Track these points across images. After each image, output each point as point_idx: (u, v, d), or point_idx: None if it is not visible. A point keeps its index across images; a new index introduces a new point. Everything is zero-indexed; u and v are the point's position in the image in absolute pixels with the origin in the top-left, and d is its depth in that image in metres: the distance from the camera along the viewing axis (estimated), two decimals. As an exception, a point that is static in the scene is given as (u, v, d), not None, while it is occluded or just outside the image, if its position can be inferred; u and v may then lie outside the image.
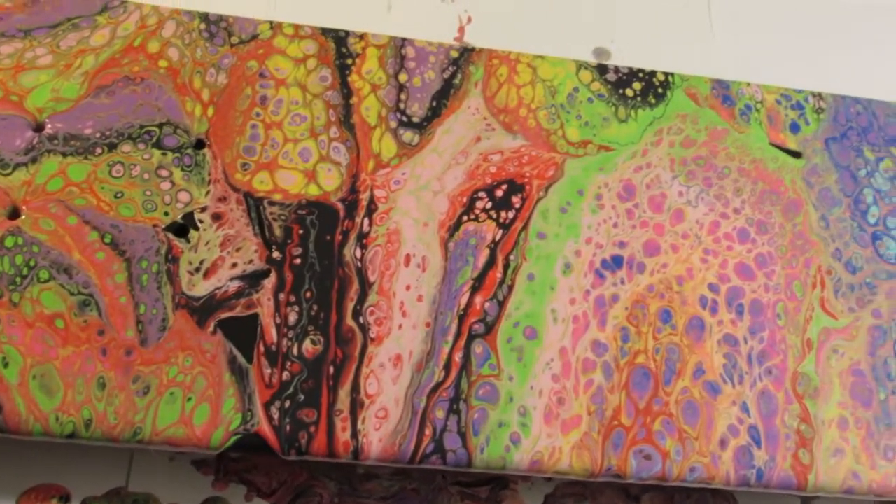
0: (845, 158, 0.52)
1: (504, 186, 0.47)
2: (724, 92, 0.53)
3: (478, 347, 0.43)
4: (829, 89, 0.61)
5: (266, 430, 0.40)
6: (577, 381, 0.43)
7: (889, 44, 0.73)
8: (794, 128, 0.53)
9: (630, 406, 0.43)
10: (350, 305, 0.43)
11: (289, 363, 0.42)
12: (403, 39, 0.52)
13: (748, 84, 0.54)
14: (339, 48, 0.50)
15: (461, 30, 0.67)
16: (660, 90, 0.53)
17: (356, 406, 0.41)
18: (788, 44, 0.71)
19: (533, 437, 0.42)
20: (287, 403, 0.41)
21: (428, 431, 0.41)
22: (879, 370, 0.46)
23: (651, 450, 0.43)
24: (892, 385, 0.46)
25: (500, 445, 0.42)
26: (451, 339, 0.43)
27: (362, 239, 0.45)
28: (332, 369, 0.42)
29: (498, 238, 0.46)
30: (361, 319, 0.43)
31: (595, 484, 0.53)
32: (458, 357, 0.43)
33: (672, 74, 0.54)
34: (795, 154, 0.52)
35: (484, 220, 0.46)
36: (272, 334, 0.42)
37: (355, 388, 0.42)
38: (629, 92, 0.52)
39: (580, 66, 0.53)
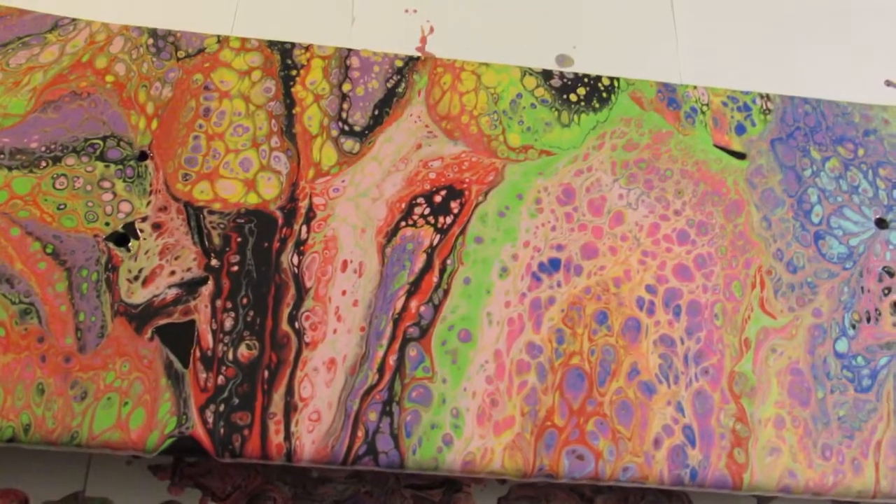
0: (791, 159, 0.52)
1: (443, 192, 0.48)
2: (669, 95, 0.54)
3: (412, 350, 0.44)
4: (796, 92, 0.61)
5: (200, 433, 0.41)
6: (510, 382, 0.44)
7: (857, 45, 0.73)
8: (740, 129, 0.53)
9: (564, 407, 0.44)
10: (286, 311, 0.44)
11: (224, 368, 0.42)
12: (349, 50, 0.52)
13: (695, 87, 0.55)
14: (285, 60, 0.51)
15: (423, 40, 0.68)
16: (604, 95, 0.53)
17: (290, 409, 0.42)
18: (754, 48, 0.71)
19: (465, 438, 0.43)
20: (221, 407, 0.42)
21: (360, 433, 0.42)
22: (818, 369, 0.46)
23: (584, 450, 0.43)
24: (830, 384, 0.46)
25: (432, 447, 0.42)
26: (385, 342, 0.44)
27: (300, 246, 0.46)
28: (266, 373, 0.43)
29: (435, 243, 0.47)
30: (297, 324, 0.44)
31: (549, 487, 0.53)
32: (392, 360, 0.44)
33: (618, 79, 0.54)
34: (740, 155, 0.52)
35: (422, 226, 0.47)
36: (208, 340, 0.43)
37: (289, 392, 0.42)
38: (573, 97, 0.53)
39: (525, 72, 0.53)
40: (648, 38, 0.71)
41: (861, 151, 0.53)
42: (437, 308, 0.45)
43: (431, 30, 0.69)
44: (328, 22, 0.66)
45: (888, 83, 0.70)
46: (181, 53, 0.51)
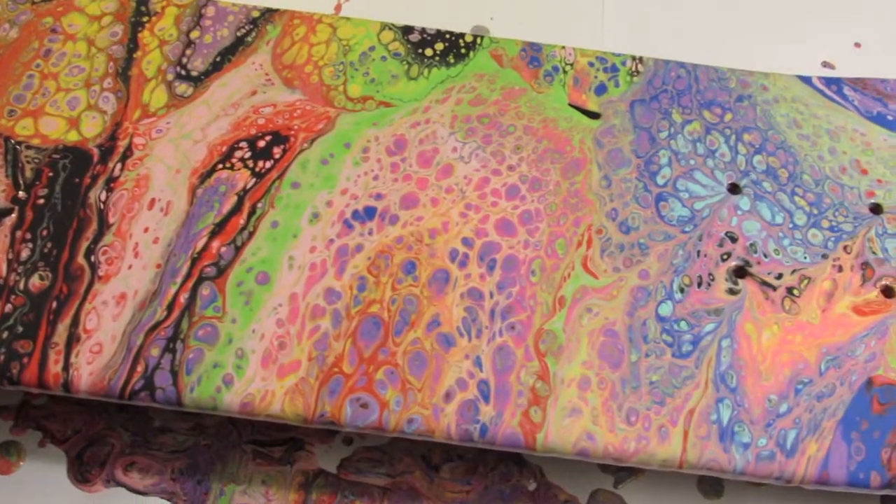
0: (648, 120, 0.50)
1: (268, 138, 0.48)
2: (533, 54, 0.52)
3: (205, 290, 0.43)
4: (724, 64, 0.59)
5: (-20, 358, 0.41)
6: (302, 326, 0.43)
7: (796, 24, 0.70)
8: (601, 90, 0.51)
9: (354, 354, 0.43)
10: (84, 245, 0.44)
11: (13, 297, 0.43)
12: (208, 0, 0.52)
13: (563, 47, 0.53)
14: (139, 7, 0.52)
15: (338, 7, 0.67)
16: (463, 51, 0.52)
17: (72, 340, 0.42)
18: (687, 22, 0.69)
19: (246, 379, 0.42)
20: (5, 334, 0.42)
21: (140, 368, 0.42)
22: (636, 331, 0.44)
23: (369, 398, 0.42)
24: (647, 347, 0.44)
25: (211, 385, 0.42)
26: (179, 280, 0.44)
27: (110, 183, 0.46)
28: (54, 304, 0.43)
29: (249, 186, 0.46)
30: (93, 258, 0.44)
31: (394, 450, 0.52)
32: (183, 298, 0.43)
33: (482, 37, 0.53)
34: (594, 115, 0.50)
35: (239, 169, 0.46)
36: (2, 269, 0.43)
37: (74, 323, 0.42)
38: (429, 52, 0.52)
39: (384, 26, 0.53)
40: (572, 9, 0.69)
41: (728, 116, 0.51)
42: (238, 249, 0.44)
43: (348, -3, 0.68)
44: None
45: (825, 64, 0.67)
46: (38, -2, 0.51)
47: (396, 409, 0.42)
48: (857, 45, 0.69)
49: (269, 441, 0.53)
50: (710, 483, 0.51)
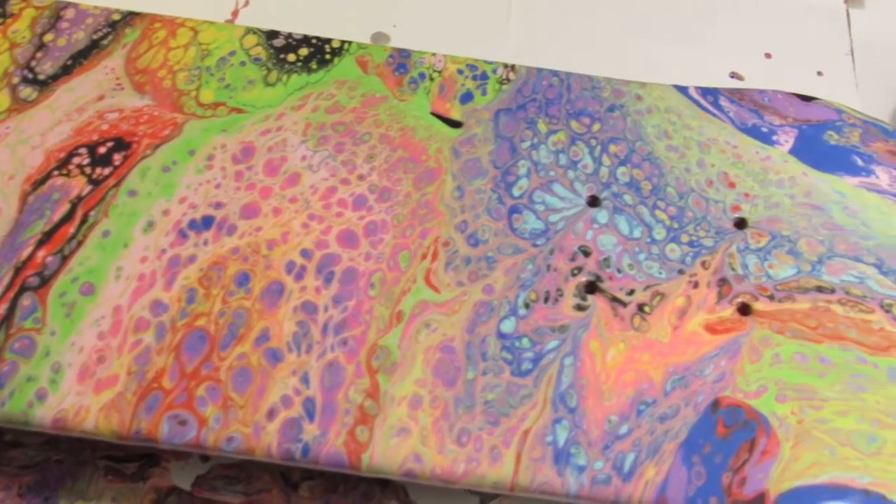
0: (511, 130, 0.49)
1: (109, 144, 0.46)
2: (401, 60, 0.51)
3: (26, 300, 0.42)
4: (630, 75, 0.58)
5: None
6: (124, 339, 0.41)
7: (705, 34, 0.69)
8: (466, 98, 0.50)
9: (176, 369, 0.41)
10: None
11: None
12: (68, 2, 0.51)
13: (433, 54, 0.52)
14: (-4, 9, 0.50)
15: (235, 13, 0.66)
16: (328, 57, 0.51)
17: None
18: (595, 33, 0.68)
19: (61, 393, 0.40)
20: None
21: (-51, 382, 0.40)
22: (475, 348, 0.42)
23: (188, 415, 0.40)
24: (485, 365, 0.42)
25: (23, 400, 0.40)
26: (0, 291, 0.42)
27: (-62, 189, 0.44)
28: None
29: (84, 194, 0.45)
30: (-88, 267, 0.42)
31: (252, 467, 0.51)
32: (2, 309, 0.42)
33: (350, 42, 0.52)
34: (455, 124, 0.49)
35: (75, 176, 0.45)
36: None
37: None
38: (291, 57, 0.50)
39: (249, 31, 0.51)
40: (477, 18, 0.68)
41: (596, 126, 0.49)
42: (65, 259, 0.43)
43: (247, 2, 0.67)
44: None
45: (733, 75, 0.66)
46: None
47: (216, 426, 0.40)
48: (768, 55, 0.68)
49: (123, 457, 0.51)
50: (583, 506, 0.49)
